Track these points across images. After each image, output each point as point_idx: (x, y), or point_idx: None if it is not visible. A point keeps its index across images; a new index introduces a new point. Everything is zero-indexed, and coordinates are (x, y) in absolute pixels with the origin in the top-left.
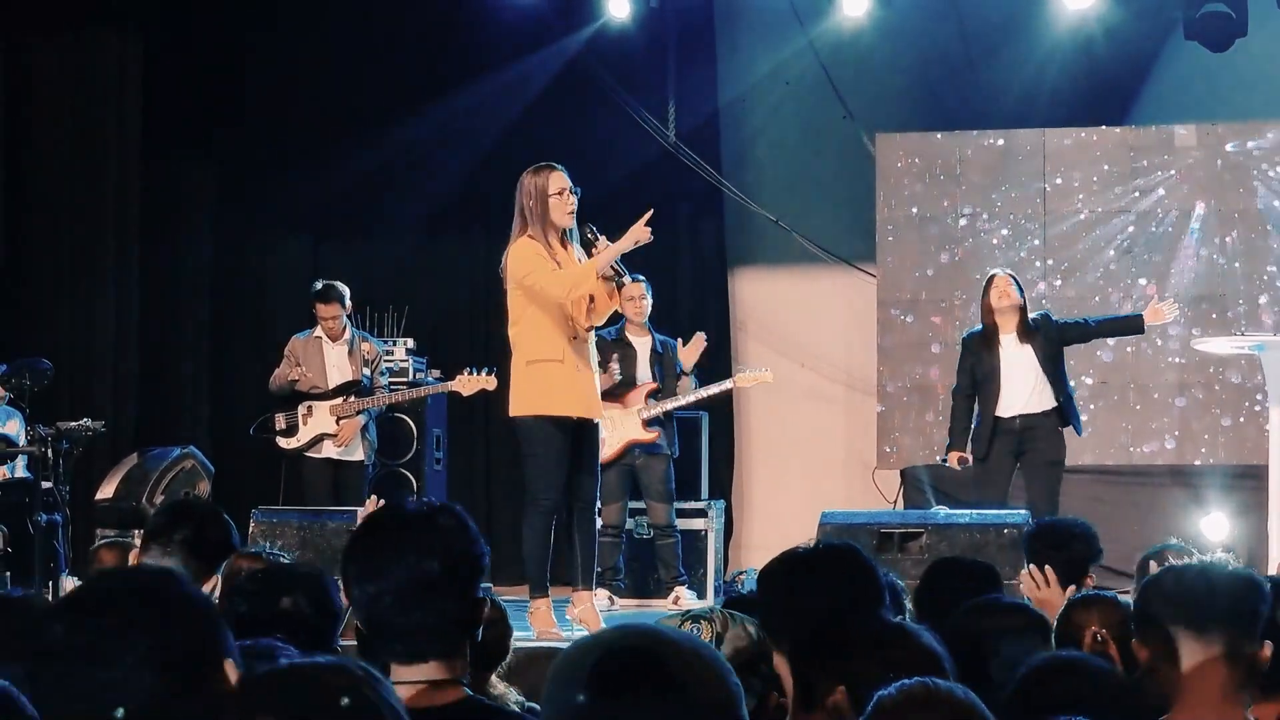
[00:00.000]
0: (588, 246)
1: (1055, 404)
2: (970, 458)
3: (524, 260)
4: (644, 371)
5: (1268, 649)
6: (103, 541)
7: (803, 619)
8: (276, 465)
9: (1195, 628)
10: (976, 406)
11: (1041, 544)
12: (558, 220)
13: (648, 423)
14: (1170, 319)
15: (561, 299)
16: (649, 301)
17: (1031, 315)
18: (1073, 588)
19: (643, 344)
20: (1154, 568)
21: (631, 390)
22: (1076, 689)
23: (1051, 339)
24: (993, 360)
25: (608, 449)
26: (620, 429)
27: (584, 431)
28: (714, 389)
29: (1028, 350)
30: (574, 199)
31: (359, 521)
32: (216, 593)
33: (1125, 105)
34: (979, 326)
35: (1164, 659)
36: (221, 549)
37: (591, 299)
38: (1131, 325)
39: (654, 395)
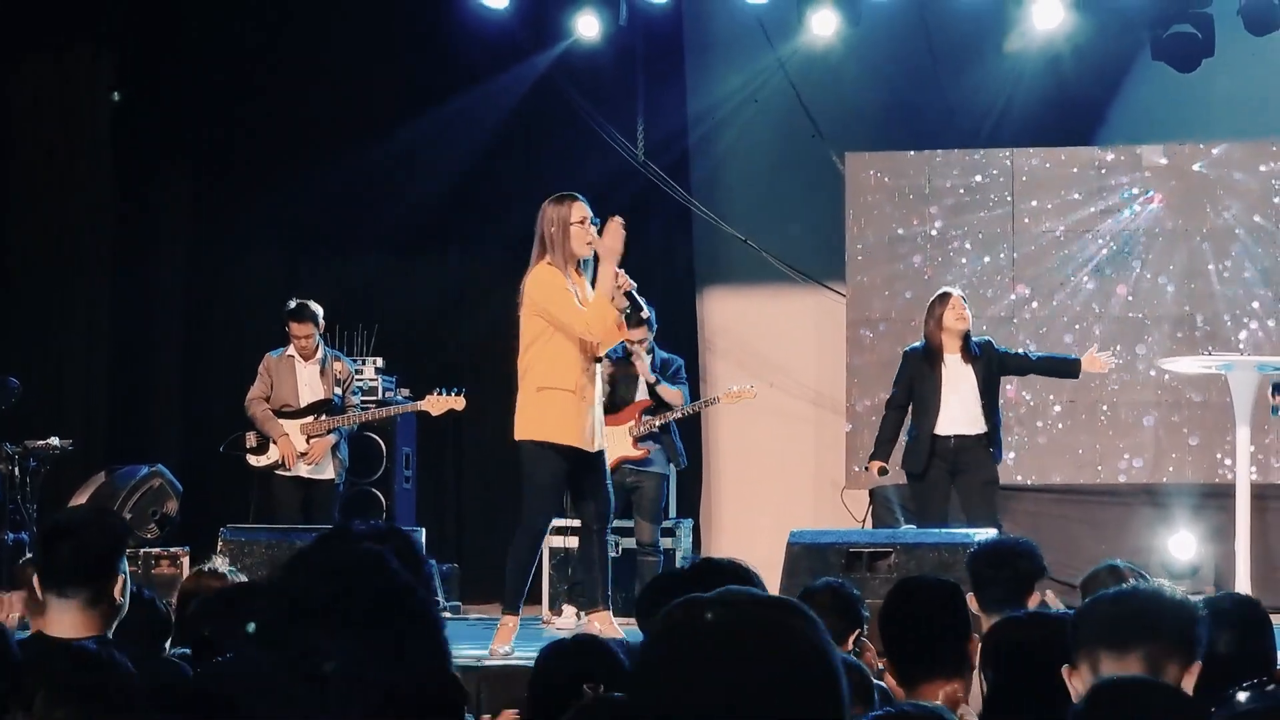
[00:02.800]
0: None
1: (985, 427)
2: (888, 467)
3: (546, 287)
4: (641, 391)
5: (1194, 673)
6: (28, 558)
7: None
8: (248, 483)
9: (1113, 648)
10: (909, 421)
11: (984, 564)
12: (577, 250)
13: (638, 440)
14: (1107, 370)
15: (582, 334)
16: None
17: (975, 339)
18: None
19: (643, 364)
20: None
21: (625, 408)
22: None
23: (993, 365)
24: (934, 378)
25: None
26: (612, 446)
27: (588, 459)
28: (701, 404)
29: (969, 371)
30: (593, 229)
31: None
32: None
33: (1093, 125)
34: (922, 342)
35: (1092, 676)
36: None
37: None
38: (1069, 369)
39: (648, 412)
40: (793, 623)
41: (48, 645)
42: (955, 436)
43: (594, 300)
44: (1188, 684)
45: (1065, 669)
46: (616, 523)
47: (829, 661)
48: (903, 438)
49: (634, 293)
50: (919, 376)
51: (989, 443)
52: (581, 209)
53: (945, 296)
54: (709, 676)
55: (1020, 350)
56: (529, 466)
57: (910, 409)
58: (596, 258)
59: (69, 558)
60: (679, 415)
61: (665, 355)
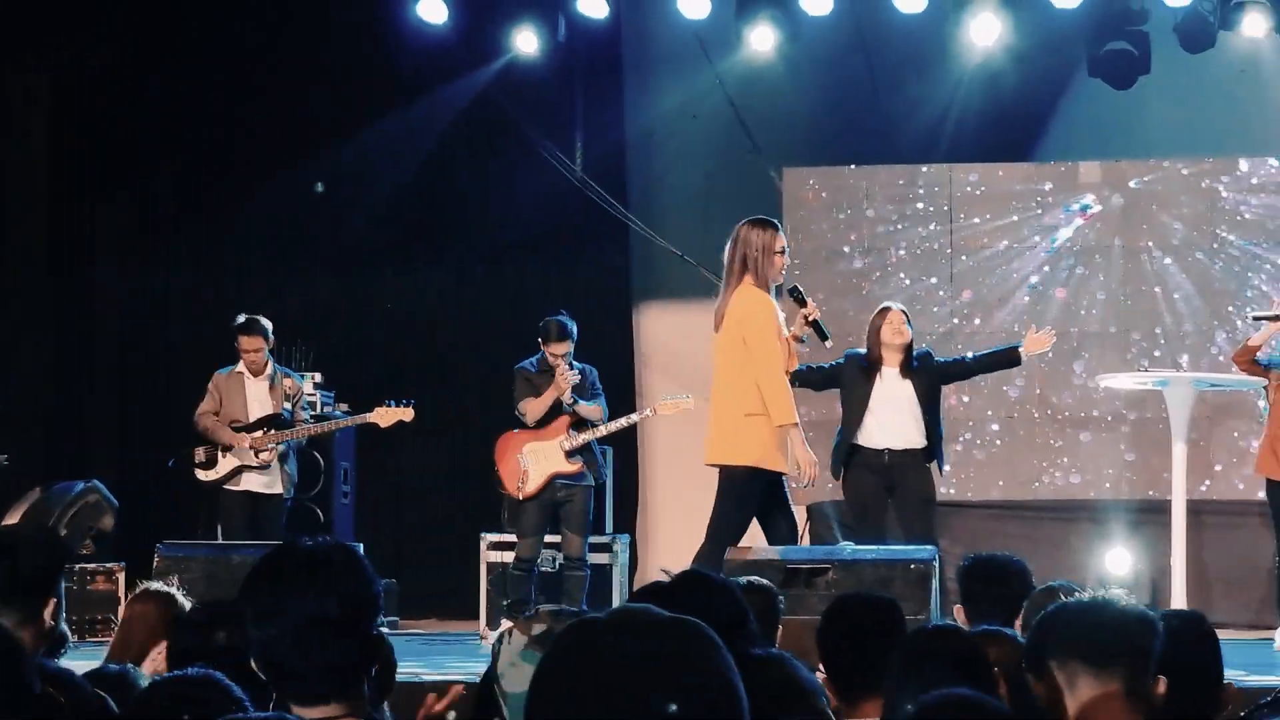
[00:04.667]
0: (800, 303)
1: (925, 442)
2: None
3: (764, 322)
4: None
5: (1162, 684)
6: None
7: None
8: (188, 498)
9: (1094, 663)
10: (839, 427)
11: (976, 580)
12: (774, 277)
13: (569, 454)
14: (1048, 347)
15: (758, 381)
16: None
17: (916, 351)
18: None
19: (565, 383)
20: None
21: (553, 422)
22: None
23: (933, 376)
24: (867, 389)
25: (531, 483)
26: (544, 462)
27: (780, 480)
28: (635, 417)
29: (908, 386)
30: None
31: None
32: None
33: (1031, 141)
34: (865, 349)
35: (1065, 693)
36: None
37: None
38: (1010, 357)
39: (575, 426)
40: (693, 646)
41: None
42: (889, 451)
43: (790, 414)
44: (1159, 698)
45: (1032, 679)
46: (546, 538)
47: (728, 684)
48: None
49: (819, 321)
50: (850, 381)
51: (928, 457)
52: (782, 239)
53: (884, 311)
54: (601, 705)
55: (959, 356)
56: (737, 492)
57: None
58: (789, 288)
59: (3, 576)
60: (607, 430)
61: (580, 365)
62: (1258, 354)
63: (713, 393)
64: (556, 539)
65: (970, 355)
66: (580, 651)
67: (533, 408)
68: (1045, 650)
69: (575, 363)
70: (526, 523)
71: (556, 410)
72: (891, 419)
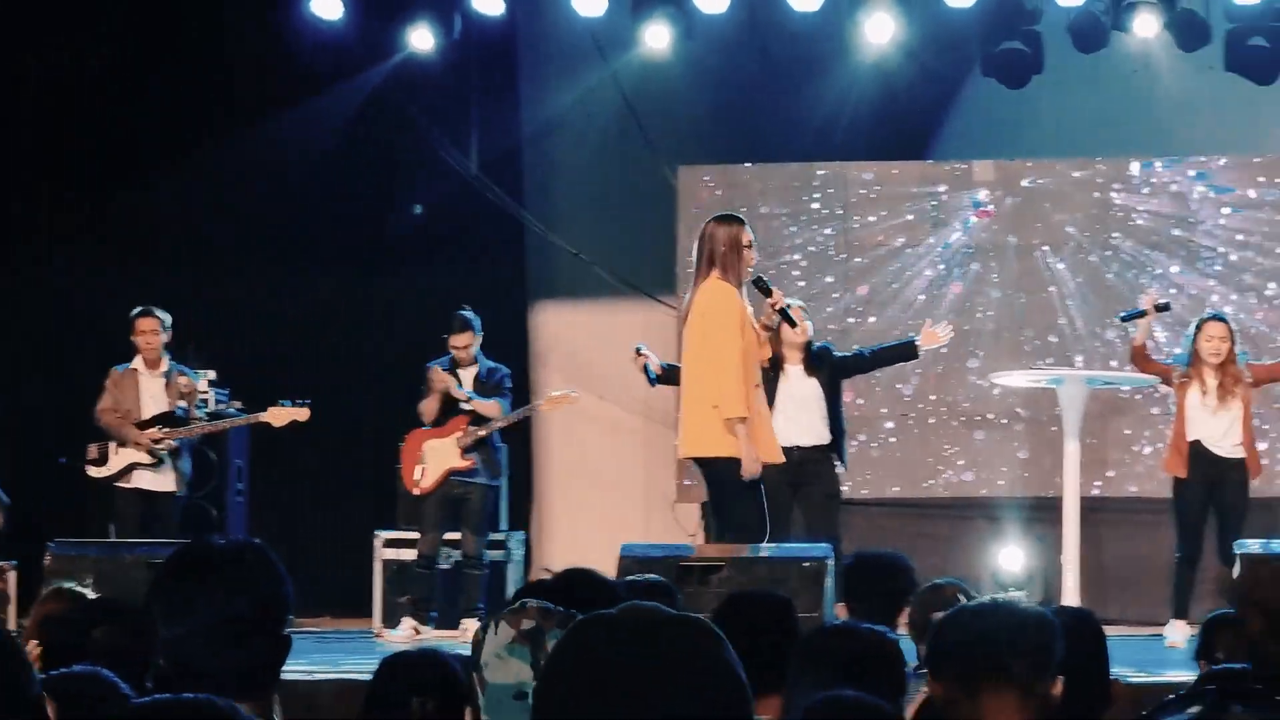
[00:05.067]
0: (765, 293)
1: (831, 437)
2: (653, 358)
3: (726, 313)
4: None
5: (1059, 685)
6: None
7: None
8: (81, 496)
9: (992, 665)
10: None
11: (861, 578)
12: (743, 272)
13: (465, 450)
14: (945, 341)
15: (710, 376)
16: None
17: (815, 347)
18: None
19: (468, 373)
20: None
21: (451, 419)
22: None
23: (834, 371)
24: (772, 387)
25: (428, 479)
26: (439, 458)
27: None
28: (523, 412)
29: (813, 384)
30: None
31: None
32: None
33: (926, 140)
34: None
35: (962, 695)
36: None
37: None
38: (905, 352)
39: (474, 423)
40: (701, 644)
41: None
42: (796, 448)
43: (737, 395)
44: (1055, 698)
45: (930, 681)
46: (445, 535)
47: (737, 680)
48: None
49: (786, 309)
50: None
51: (831, 452)
52: (749, 234)
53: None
54: (614, 698)
55: (856, 350)
56: (724, 486)
57: None
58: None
59: None
60: (498, 425)
61: (491, 364)
62: (1149, 351)
63: (682, 387)
64: (456, 536)
65: (867, 350)
66: (588, 650)
67: (426, 407)
68: (944, 651)
69: (488, 362)
70: (426, 520)
71: (455, 408)
72: (798, 416)
